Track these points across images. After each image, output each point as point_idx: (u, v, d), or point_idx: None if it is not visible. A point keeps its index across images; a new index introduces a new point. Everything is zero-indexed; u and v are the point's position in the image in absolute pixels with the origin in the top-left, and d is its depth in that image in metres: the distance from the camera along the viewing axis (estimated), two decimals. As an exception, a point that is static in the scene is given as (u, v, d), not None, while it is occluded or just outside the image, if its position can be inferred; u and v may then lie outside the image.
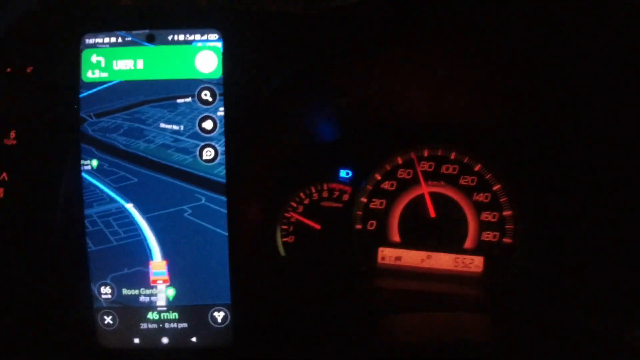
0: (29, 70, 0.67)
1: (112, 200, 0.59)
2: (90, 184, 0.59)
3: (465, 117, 0.82)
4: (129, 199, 0.58)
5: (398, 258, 0.84)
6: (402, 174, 0.84)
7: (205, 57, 0.57)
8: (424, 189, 0.83)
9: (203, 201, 0.58)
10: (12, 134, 0.64)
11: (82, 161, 0.58)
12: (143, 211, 0.58)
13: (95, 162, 0.58)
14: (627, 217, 0.71)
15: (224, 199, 0.57)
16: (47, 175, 0.64)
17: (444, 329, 0.70)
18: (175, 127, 0.57)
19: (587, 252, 0.77)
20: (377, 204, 0.84)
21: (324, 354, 0.60)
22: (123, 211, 0.58)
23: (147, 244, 0.58)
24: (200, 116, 0.57)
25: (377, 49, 0.67)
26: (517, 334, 0.72)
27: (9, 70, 0.67)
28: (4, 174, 0.63)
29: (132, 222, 0.59)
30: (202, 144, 0.57)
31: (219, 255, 0.58)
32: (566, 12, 0.58)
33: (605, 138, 0.72)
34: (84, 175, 0.58)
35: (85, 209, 0.59)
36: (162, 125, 0.57)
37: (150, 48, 0.58)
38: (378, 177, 0.84)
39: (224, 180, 0.57)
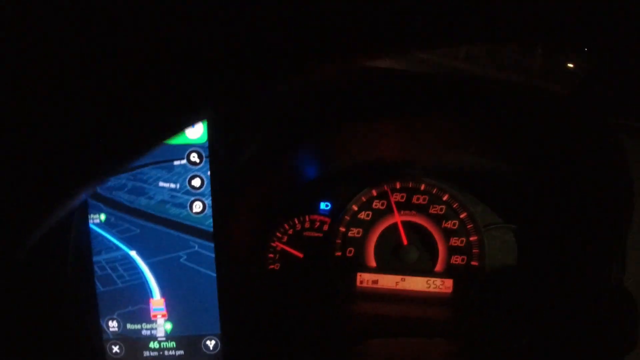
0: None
1: (118, 249, 0.67)
2: (99, 234, 0.68)
3: (433, 157, 0.90)
4: (132, 247, 0.67)
5: (375, 281, 0.93)
6: (377, 204, 0.92)
7: (194, 126, 0.66)
8: (397, 218, 0.91)
9: (196, 248, 0.67)
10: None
11: (92, 215, 0.67)
12: (145, 257, 0.67)
13: (103, 216, 0.67)
14: (592, 234, 0.78)
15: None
16: (60, 229, 0.73)
17: (414, 354, 0.79)
18: (172, 185, 0.66)
19: (549, 273, 0.86)
20: (354, 232, 0.93)
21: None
22: (127, 257, 0.67)
23: (148, 285, 0.67)
24: (190, 175, 0.66)
25: (352, 114, 0.76)
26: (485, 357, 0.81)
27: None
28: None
29: (135, 267, 0.67)
30: (192, 198, 0.66)
31: (210, 293, 0.67)
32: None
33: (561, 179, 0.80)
34: (94, 227, 0.67)
35: (94, 256, 0.68)
36: (161, 184, 0.66)
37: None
38: (355, 208, 0.92)
39: (212, 230, 0.66)
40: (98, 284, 0.68)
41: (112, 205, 0.67)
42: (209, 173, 0.65)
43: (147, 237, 0.67)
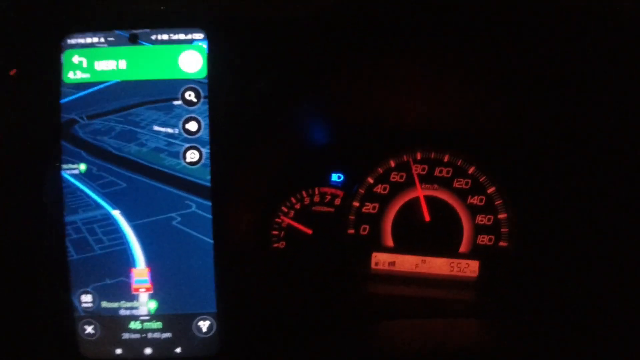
0: (12, 73, 0.64)
1: (98, 207, 0.55)
2: (77, 189, 0.56)
3: (458, 121, 0.79)
4: (116, 205, 0.55)
5: (392, 263, 0.81)
6: (395, 177, 0.81)
7: (190, 57, 0.54)
8: (419, 192, 0.79)
9: (193, 208, 0.55)
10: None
11: (70, 165, 0.55)
12: (130, 218, 0.55)
13: (83, 166, 0.55)
14: (625, 218, 0.68)
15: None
16: (29, 180, 0.61)
17: (439, 336, 0.67)
18: (170, 130, 0.55)
19: (585, 254, 0.74)
20: (369, 208, 0.81)
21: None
22: (109, 218, 0.55)
23: (131, 252, 0.55)
24: (185, 117, 0.54)
25: (368, 55, 0.64)
26: (513, 340, 0.69)
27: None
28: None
29: (118, 230, 0.55)
30: (187, 145, 0.54)
31: (205, 263, 0.55)
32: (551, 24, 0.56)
33: (600, 138, 0.70)
34: (71, 179, 0.55)
35: (69, 215, 0.56)
36: (156, 128, 0.54)
37: (132, 48, 0.55)
38: (370, 180, 0.81)
39: (208, 184, 0.54)
40: (71, 250, 0.56)
41: (95, 152, 0.55)
42: (207, 115, 0.54)
43: (134, 193, 0.55)
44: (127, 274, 0.55)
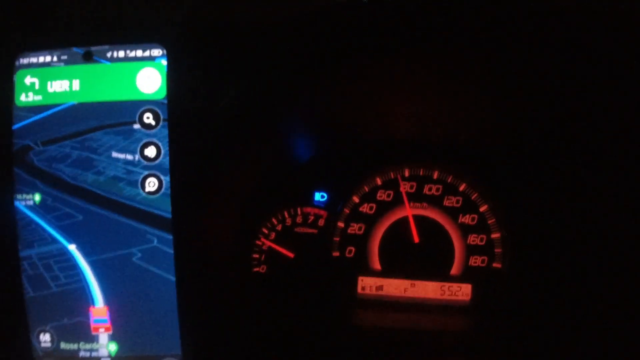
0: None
1: (54, 241, 0.51)
2: (32, 221, 0.51)
3: (449, 135, 0.74)
4: (72, 239, 0.51)
5: (379, 287, 0.76)
6: (381, 195, 0.76)
7: (148, 75, 0.49)
8: (408, 211, 0.75)
9: (155, 243, 0.50)
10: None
11: (24, 195, 0.51)
12: (87, 254, 0.51)
13: (38, 197, 0.51)
14: (624, 239, 0.63)
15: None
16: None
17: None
18: (130, 157, 0.50)
19: (583, 275, 0.69)
20: (355, 228, 0.76)
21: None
22: (65, 253, 0.51)
23: (90, 290, 0.50)
24: (143, 142, 0.49)
25: (349, 64, 0.60)
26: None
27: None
28: None
29: (74, 266, 0.51)
30: (145, 173, 0.49)
31: (168, 301, 0.50)
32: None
33: (596, 155, 0.65)
34: (25, 210, 0.51)
35: (24, 249, 0.51)
36: (115, 154, 0.50)
37: (87, 67, 0.50)
38: (356, 199, 0.76)
39: (169, 216, 0.49)
40: (27, 286, 0.51)
41: (50, 182, 0.51)
42: (167, 140, 0.49)
43: (91, 226, 0.50)
44: (86, 313, 0.50)
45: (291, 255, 0.75)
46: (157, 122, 0.49)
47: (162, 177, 0.49)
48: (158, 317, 0.50)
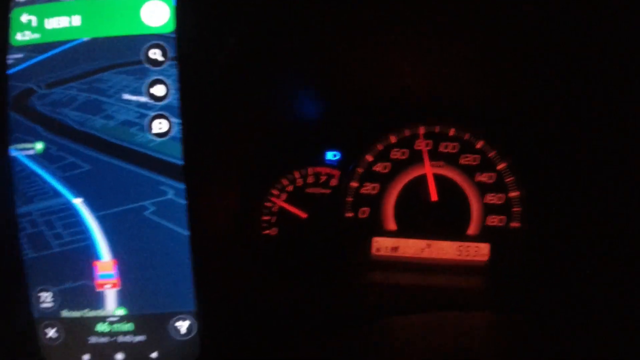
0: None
1: (57, 195, 0.45)
2: (32, 172, 0.45)
3: (466, 90, 0.69)
4: (78, 192, 0.45)
5: (395, 248, 0.72)
6: (396, 154, 0.72)
7: (154, 7, 0.44)
8: (428, 169, 0.70)
9: (169, 195, 0.45)
10: None
11: (24, 144, 0.45)
12: (94, 208, 0.45)
13: (40, 145, 0.45)
14: None
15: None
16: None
17: (447, 335, 0.58)
18: (142, 99, 0.44)
19: (603, 233, 0.65)
20: (369, 188, 0.72)
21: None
22: (69, 208, 0.45)
23: (96, 248, 0.45)
24: (149, 79, 0.44)
25: (365, 14, 0.55)
26: (525, 331, 0.60)
27: None
28: None
29: (79, 222, 0.45)
30: (152, 114, 0.44)
31: (181, 257, 0.45)
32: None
33: (620, 109, 0.60)
34: (25, 161, 0.45)
35: (23, 205, 0.46)
36: (126, 96, 0.44)
37: (87, 1, 0.44)
38: (369, 158, 0.71)
39: (180, 162, 0.44)
40: (26, 247, 0.46)
41: (54, 128, 0.45)
42: (175, 78, 0.44)
43: (100, 178, 0.45)
44: (91, 271, 0.45)
45: (304, 215, 0.71)
46: (165, 59, 0.44)
47: (171, 119, 0.44)
48: (170, 273, 0.45)
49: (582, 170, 0.67)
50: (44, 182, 0.46)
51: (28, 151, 0.45)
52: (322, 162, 0.71)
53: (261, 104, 0.60)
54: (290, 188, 0.72)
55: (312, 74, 0.64)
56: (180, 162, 0.44)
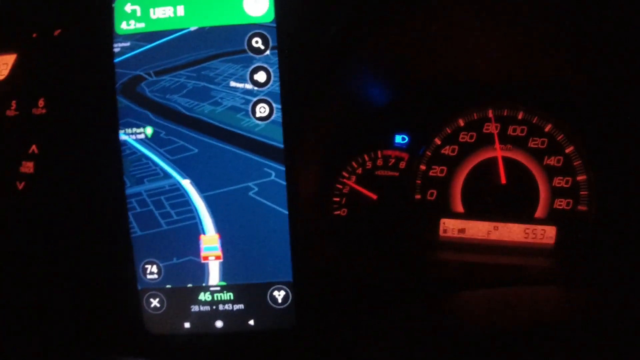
0: (56, 33, 0.58)
1: (167, 176, 0.49)
2: (143, 155, 0.49)
3: (533, 73, 0.69)
4: (186, 174, 0.48)
5: (462, 230, 0.73)
6: (464, 137, 0.73)
7: (255, -3, 0.46)
8: (499, 152, 0.71)
9: (272, 177, 0.47)
10: (41, 103, 0.55)
11: (135, 129, 0.49)
12: (201, 189, 0.48)
13: (150, 130, 0.48)
14: None
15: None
16: (83, 147, 0.55)
17: (518, 307, 0.59)
18: (248, 86, 0.47)
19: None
20: (437, 171, 0.73)
21: (391, 336, 0.50)
22: (178, 188, 0.49)
23: (202, 225, 0.49)
24: (252, 67, 0.47)
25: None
26: (595, 308, 0.61)
27: (35, 35, 0.58)
28: (34, 147, 0.55)
29: (188, 202, 0.49)
30: (255, 99, 0.47)
31: (280, 232, 0.48)
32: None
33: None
34: (136, 144, 0.49)
35: (133, 186, 0.49)
36: (233, 84, 0.47)
37: (191, -8, 0.47)
38: (438, 141, 0.73)
39: (281, 145, 0.47)
40: (135, 226, 0.50)
41: (164, 114, 0.48)
42: (277, 65, 0.46)
43: (207, 160, 0.48)
44: (196, 245, 0.49)
45: (374, 196, 0.73)
46: (266, 47, 0.46)
47: (273, 104, 0.47)
48: (270, 247, 0.48)
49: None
50: (154, 164, 0.49)
51: (138, 135, 0.49)
52: (392, 145, 0.73)
53: (338, 90, 0.62)
54: (359, 170, 0.74)
55: (384, 58, 0.65)
56: (280, 145, 0.47)
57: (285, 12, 0.45)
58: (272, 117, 0.47)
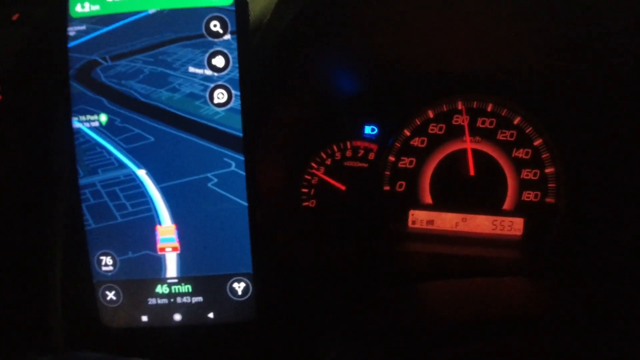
0: (14, 18, 0.56)
1: (122, 166, 0.46)
2: (97, 144, 0.47)
3: (503, 65, 0.69)
4: (142, 163, 0.46)
5: (430, 221, 0.73)
6: (433, 129, 0.72)
7: (214, -21, 0.45)
8: (468, 144, 0.71)
9: (233, 167, 0.46)
10: (-1, 89, 0.53)
11: (89, 115, 0.46)
12: (158, 179, 0.46)
13: (104, 117, 0.46)
14: None
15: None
16: (38, 136, 0.53)
17: (483, 297, 0.60)
18: (208, 72, 0.45)
19: (638, 210, 0.66)
20: (406, 162, 0.73)
21: (355, 327, 0.49)
22: (134, 179, 0.47)
23: (158, 215, 0.47)
24: (210, 51, 0.45)
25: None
26: (564, 301, 0.61)
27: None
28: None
29: (143, 194, 0.47)
30: (212, 85, 0.45)
31: (239, 223, 0.47)
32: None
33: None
34: (90, 132, 0.47)
35: (87, 176, 0.47)
36: (192, 69, 0.45)
37: (146, -27, 0.45)
38: (407, 133, 0.72)
39: (240, 134, 0.45)
40: (88, 217, 0.48)
41: (119, 100, 0.46)
42: (235, 49, 0.45)
43: (165, 149, 0.46)
44: (152, 234, 0.48)
45: (343, 187, 0.72)
46: (225, 31, 0.45)
47: (232, 90, 0.45)
48: (229, 238, 0.47)
49: (618, 147, 0.67)
50: (109, 153, 0.47)
51: (92, 123, 0.47)
52: (361, 136, 0.72)
53: (305, 78, 0.61)
54: (329, 161, 0.73)
55: (352, 48, 0.64)
56: (238, 134, 0.45)
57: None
58: (231, 104, 0.45)
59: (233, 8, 0.44)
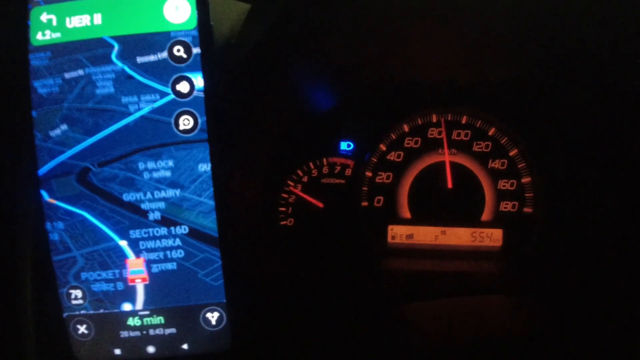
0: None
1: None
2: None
3: (477, 75, 0.69)
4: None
5: (410, 236, 0.72)
6: (409, 143, 0.72)
7: (175, 4, 0.44)
8: (447, 156, 0.70)
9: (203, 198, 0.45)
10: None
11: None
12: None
13: None
14: None
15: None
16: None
17: (464, 318, 0.59)
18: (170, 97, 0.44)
19: (615, 218, 0.66)
20: (383, 177, 0.72)
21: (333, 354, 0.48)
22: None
23: (123, 250, 0.46)
24: (174, 76, 0.44)
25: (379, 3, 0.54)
26: (541, 315, 0.61)
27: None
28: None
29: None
30: (179, 110, 0.44)
31: (209, 250, 0.46)
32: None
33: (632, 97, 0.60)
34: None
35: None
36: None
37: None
38: (383, 147, 0.72)
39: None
40: (54, 249, 0.46)
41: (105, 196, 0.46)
42: (200, 74, 0.44)
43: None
44: (121, 266, 0.46)
45: (321, 205, 0.71)
46: (189, 55, 0.44)
47: (197, 115, 0.44)
48: (199, 269, 0.46)
49: (594, 156, 0.67)
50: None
51: None
52: (337, 152, 0.72)
53: (277, 96, 0.60)
54: (305, 179, 0.72)
55: (325, 64, 0.63)
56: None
57: (208, 17, 0.43)
58: (197, 130, 0.44)
59: (196, 33, 0.43)
